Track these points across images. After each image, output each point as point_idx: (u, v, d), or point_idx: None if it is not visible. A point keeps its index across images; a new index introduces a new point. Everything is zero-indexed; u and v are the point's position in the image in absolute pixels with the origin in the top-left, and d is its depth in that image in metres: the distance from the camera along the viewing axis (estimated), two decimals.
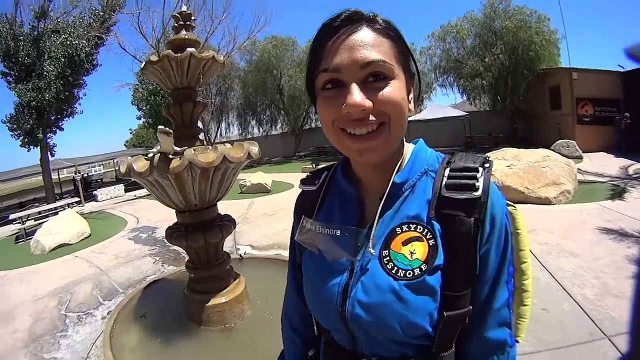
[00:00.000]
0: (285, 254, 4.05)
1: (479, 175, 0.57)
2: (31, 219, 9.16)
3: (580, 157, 11.69)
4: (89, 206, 13.17)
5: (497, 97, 18.14)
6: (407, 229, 0.58)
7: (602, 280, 3.32)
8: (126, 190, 15.73)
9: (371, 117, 0.54)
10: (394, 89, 0.54)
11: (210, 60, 2.48)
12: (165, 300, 3.15)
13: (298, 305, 0.79)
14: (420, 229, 0.57)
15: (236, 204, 8.41)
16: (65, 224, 7.15)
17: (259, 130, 26.86)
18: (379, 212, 0.60)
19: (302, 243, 0.68)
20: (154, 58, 2.36)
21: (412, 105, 0.60)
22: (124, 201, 13.28)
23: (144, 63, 2.47)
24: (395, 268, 0.56)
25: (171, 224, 2.75)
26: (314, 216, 0.69)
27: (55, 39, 11.87)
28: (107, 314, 3.57)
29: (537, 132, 17.07)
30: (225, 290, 2.65)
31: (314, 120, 25.58)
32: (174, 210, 2.63)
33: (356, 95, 0.53)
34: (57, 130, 13.16)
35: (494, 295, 0.57)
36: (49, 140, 13.00)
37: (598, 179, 8.06)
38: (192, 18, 2.79)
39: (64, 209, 9.23)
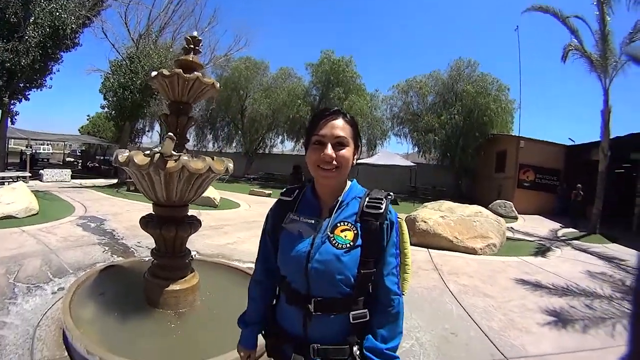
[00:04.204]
0: (228, 262, 4.61)
1: (382, 201, 1.09)
2: None
3: (516, 217, 12.75)
4: (33, 184, 12.62)
5: (447, 153, 19.32)
6: (343, 224, 1.09)
7: (510, 317, 3.82)
8: (72, 177, 15.40)
9: (334, 162, 1.07)
10: (346, 151, 1.09)
11: (210, 85, 2.96)
12: (122, 283, 3.37)
13: (265, 273, 1.26)
14: (350, 225, 1.08)
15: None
16: (15, 196, 7.10)
17: (213, 145, 26.96)
18: (332, 215, 1.11)
19: (287, 228, 1.14)
20: (167, 72, 2.77)
21: (354, 161, 1.13)
22: (70, 187, 13.02)
23: (155, 73, 2.84)
24: (336, 243, 1.05)
25: (145, 215, 3.08)
26: (294, 211, 1.17)
27: (45, 6, 11.52)
28: (58, 289, 3.70)
29: (479, 190, 18.32)
30: (182, 280, 2.98)
31: (268, 146, 26.18)
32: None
33: (329, 150, 1.07)
34: (23, 98, 12.59)
35: (388, 261, 1.10)
36: (12, 106, 12.44)
37: (527, 238, 8.93)
38: (201, 44, 3.27)
39: (14, 181, 8.89)
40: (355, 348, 1.05)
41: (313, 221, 1.11)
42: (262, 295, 1.26)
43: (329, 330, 1.07)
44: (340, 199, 1.13)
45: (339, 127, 1.09)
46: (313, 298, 1.06)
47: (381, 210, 1.07)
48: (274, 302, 1.25)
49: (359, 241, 1.06)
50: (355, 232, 1.07)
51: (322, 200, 1.16)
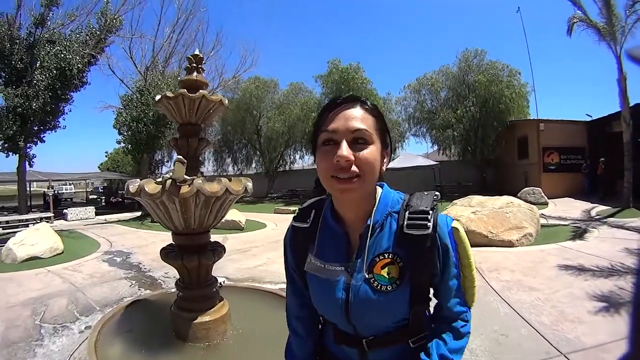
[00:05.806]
0: (259, 285, 4.55)
1: (429, 216, 0.80)
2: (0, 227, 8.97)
3: (546, 203, 12.36)
4: (58, 224, 12.85)
5: (467, 147, 18.87)
6: (383, 258, 0.82)
7: (559, 309, 3.59)
8: (96, 214, 15.61)
9: (353, 168, 0.75)
10: (370, 152, 0.77)
11: (217, 103, 2.83)
12: (150, 318, 3.26)
13: (301, 307, 1.02)
14: (392, 256, 0.81)
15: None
16: (39, 237, 7.13)
17: (233, 169, 26.84)
18: (366, 248, 0.83)
19: (311, 272, 0.90)
20: (170, 94, 2.66)
21: (384, 167, 0.84)
22: (94, 224, 13.11)
23: (159, 96, 2.74)
24: (379, 285, 0.81)
25: (165, 245, 2.95)
26: (314, 251, 0.90)
27: (50, 49, 11.88)
28: (85, 328, 3.59)
29: (505, 180, 17.76)
30: (211, 310, 2.83)
31: (288, 163, 25.99)
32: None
33: (344, 149, 0.75)
34: (38, 141, 12.96)
35: (449, 286, 0.85)
36: (28, 150, 12.76)
37: (561, 222, 8.61)
38: (204, 62, 3.16)
39: (37, 222, 9.05)
40: None
41: (342, 268, 0.85)
42: (305, 330, 1.03)
43: (389, 356, 0.88)
44: (370, 221, 0.83)
45: (356, 117, 0.78)
46: (364, 339, 0.86)
47: (428, 231, 0.79)
48: (319, 326, 1.04)
49: (407, 275, 0.81)
50: (401, 264, 0.81)
51: (347, 224, 0.88)
